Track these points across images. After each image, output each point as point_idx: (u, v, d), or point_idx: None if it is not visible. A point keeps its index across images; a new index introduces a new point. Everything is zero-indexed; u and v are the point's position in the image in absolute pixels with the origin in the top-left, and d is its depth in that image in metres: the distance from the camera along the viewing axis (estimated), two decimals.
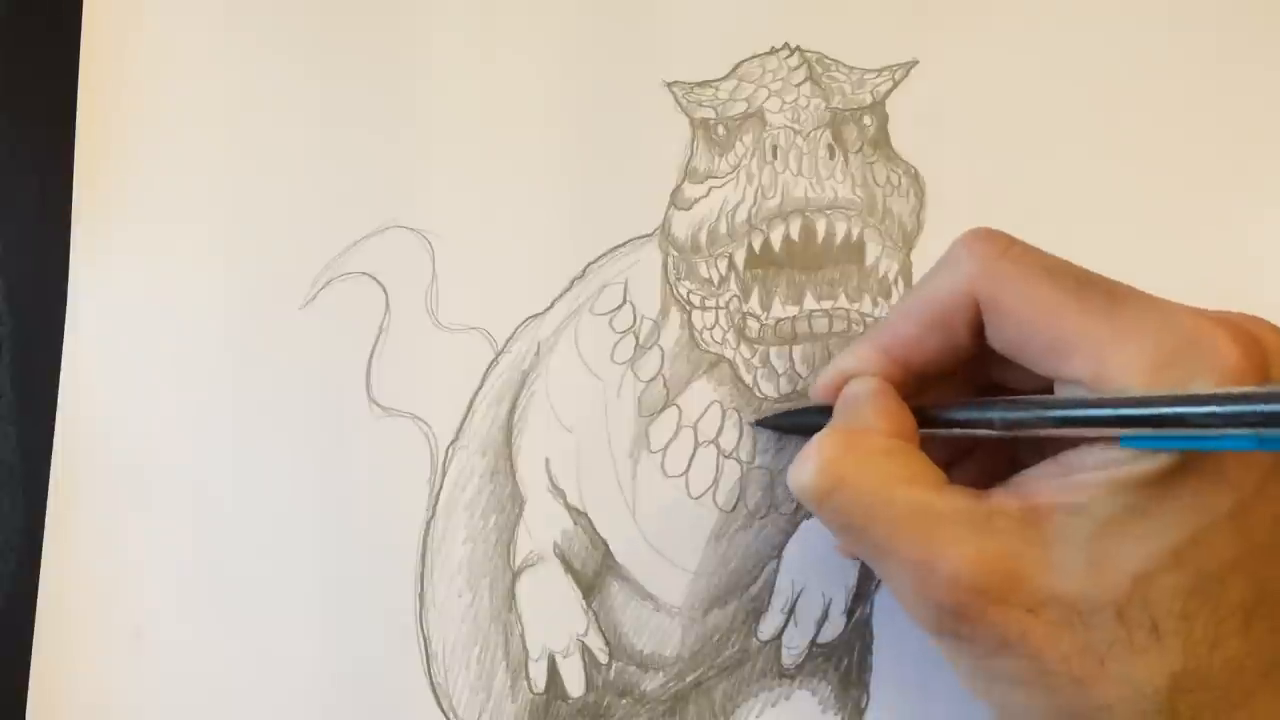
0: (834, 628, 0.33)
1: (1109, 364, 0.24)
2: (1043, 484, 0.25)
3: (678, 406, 0.33)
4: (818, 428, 0.30)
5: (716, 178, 0.34)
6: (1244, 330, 0.24)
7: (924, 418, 0.28)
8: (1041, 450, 0.26)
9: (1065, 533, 0.25)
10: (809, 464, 0.27)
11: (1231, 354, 0.24)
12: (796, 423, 0.32)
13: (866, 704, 0.33)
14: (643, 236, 0.34)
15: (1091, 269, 0.27)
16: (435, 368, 0.34)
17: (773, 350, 0.34)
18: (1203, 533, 0.24)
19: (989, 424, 0.27)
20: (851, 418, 0.28)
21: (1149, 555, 0.24)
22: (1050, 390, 0.26)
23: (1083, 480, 0.25)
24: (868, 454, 0.27)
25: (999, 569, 0.25)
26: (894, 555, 0.26)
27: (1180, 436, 0.23)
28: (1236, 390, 0.23)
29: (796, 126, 0.34)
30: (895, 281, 0.34)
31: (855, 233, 0.34)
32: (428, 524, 0.33)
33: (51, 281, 0.34)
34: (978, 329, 0.27)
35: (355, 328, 0.34)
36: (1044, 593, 0.24)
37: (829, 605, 0.33)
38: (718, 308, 0.34)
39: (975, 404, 0.28)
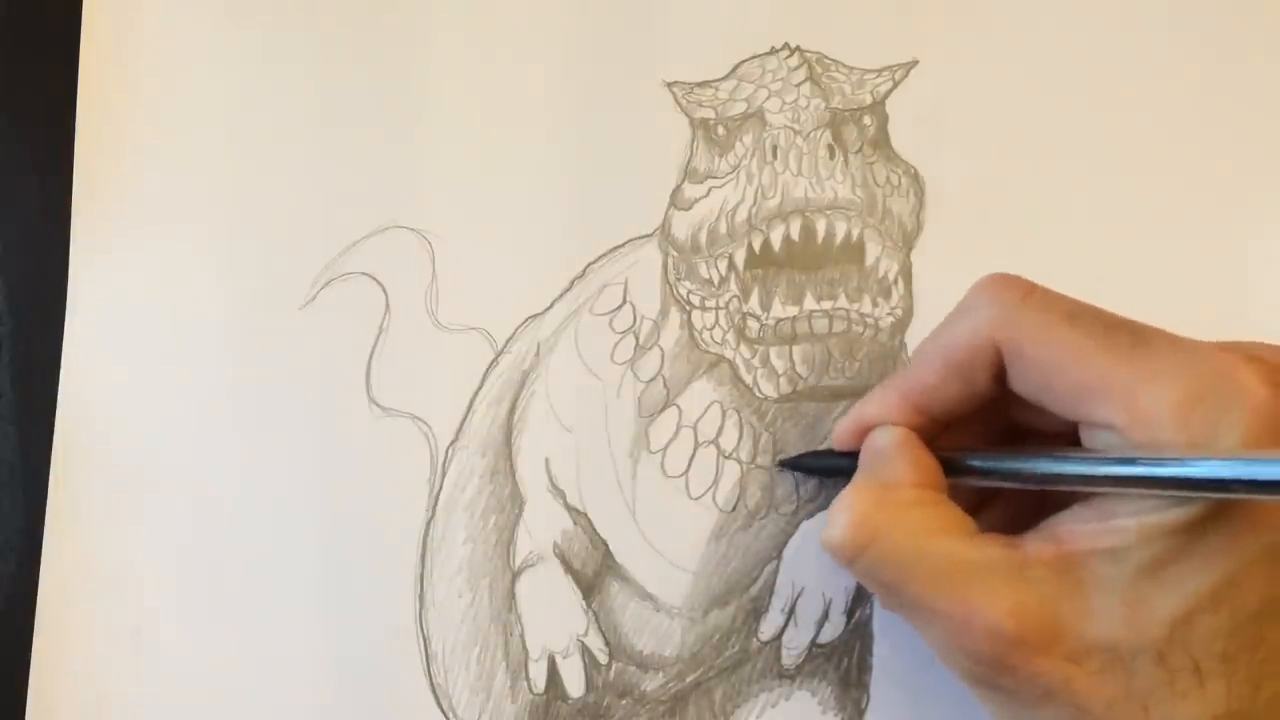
0: (834, 628, 0.33)
1: (1139, 408, 0.24)
2: (1076, 530, 0.25)
3: (678, 407, 0.33)
4: (841, 470, 0.30)
5: (716, 178, 0.34)
6: (1270, 365, 0.24)
7: (951, 466, 0.28)
8: (1069, 494, 0.26)
9: (1102, 579, 0.25)
10: (840, 521, 0.27)
11: (1259, 391, 0.24)
12: (821, 465, 0.32)
13: (866, 704, 0.33)
14: (643, 236, 0.34)
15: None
16: (435, 368, 0.34)
17: (773, 350, 0.33)
18: (1238, 575, 0.24)
19: (1019, 477, 0.27)
20: (880, 470, 0.28)
21: (1186, 598, 0.24)
22: (1072, 430, 0.26)
23: (1118, 526, 0.25)
24: (899, 508, 0.27)
25: (1038, 619, 0.25)
26: (930, 609, 0.26)
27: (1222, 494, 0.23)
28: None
29: (796, 127, 0.34)
30: (895, 281, 0.34)
31: (855, 233, 0.34)
32: (428, 524, 0.33)
33: (51, 281, 0.34)
34: (998, 374, 0.27)
35: (355, 328, 0.34)
36: (1085, 640, 0.24)
37: (829, 605, 0.33)
38: (718, 308, 0.34)
39: (1005, 455, 0.27)
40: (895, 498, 0.27)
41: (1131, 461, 0.24)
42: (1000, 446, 0.30)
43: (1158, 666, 0.24)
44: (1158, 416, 0.24)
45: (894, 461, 0.28)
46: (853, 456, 0.30)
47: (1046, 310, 0.26)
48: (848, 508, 0.27)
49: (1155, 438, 0.24)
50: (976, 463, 0.28)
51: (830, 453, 0.31)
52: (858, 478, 0.29)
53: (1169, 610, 0.24)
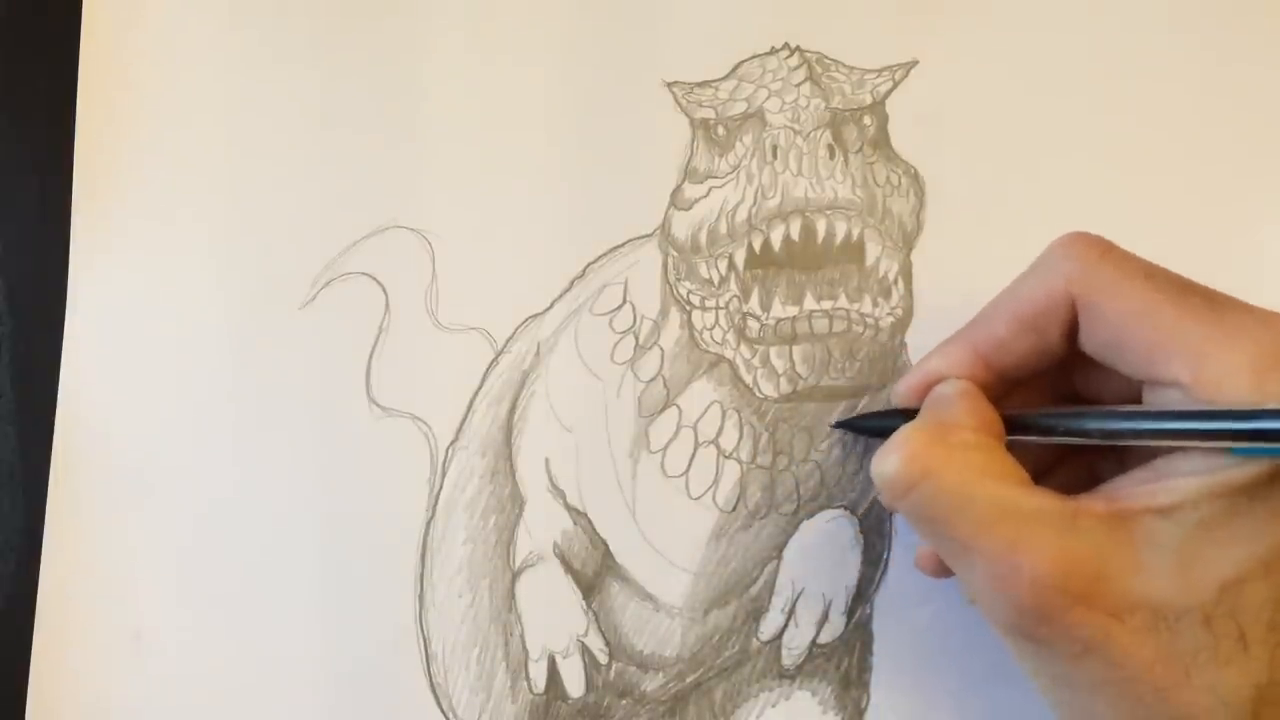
0: (834, 628, 0.33)
1: (1209, 368, 0.24)
2: (1132, 488, 0.25)
3: (678, 406, 0.33)
4: None
5: (716, 178, 0.34)
6: None
7: (1014, 424, 0.28)
8: (1125, 466, 0.26)
9: (1154, 536, 0.24)
10: (894, 455, 0.27)
11: None
12: (878, 425, 0.32)
13: (866, 704, 0.33)
14: (643, 236, 0.34)
15: None
16: (435, 368, 0.34)
17: (773, 350, 0.34)
18: None
19: (1083, 433, 0.26)
20: (938, 413, 0.28)
21: (1238, 562, 0.24)
22: (1135, 398, 0.26)
23: (1174, 485, 0.24)
24: (955, 448, 0.26)
25: (1084, 570, 0.24)
26: (976, 552, 0.25)
27: None
28: None
29: (796, 126, 0.34)
30: (895, 281, 0.34)
31: (855, 233, 0.34)
32: (428, 524, 0.33)
33: (51, 281, 0.34)
34: (1070, 332, 0.27)
35: (355, 328, 0.34)
36: (1130, 596, 0.24)
37: (829, 605, 0.33)
38: (718, 308, 0.34)
39: (1070, 413, 0.27)
40: (951, 438, 0.27)
41: (1203, 415, 0.24)
42: (1063, 405, 0.30)
43: (1203, 630, 0.24)
44: (1228, 377, 0.24)
45: (954, 405, 0.28)
46: (914, 415, 0.29)
47: (1123, 267, 0.26)
48: (902, 443, 0.27)
49: (1222, 398, 0.24)
50: (1036, 419, 0.28)
51: (892, 412, 0.31)
52: (916, 419, 0.28)
53: (1219, 573, 0.24)
